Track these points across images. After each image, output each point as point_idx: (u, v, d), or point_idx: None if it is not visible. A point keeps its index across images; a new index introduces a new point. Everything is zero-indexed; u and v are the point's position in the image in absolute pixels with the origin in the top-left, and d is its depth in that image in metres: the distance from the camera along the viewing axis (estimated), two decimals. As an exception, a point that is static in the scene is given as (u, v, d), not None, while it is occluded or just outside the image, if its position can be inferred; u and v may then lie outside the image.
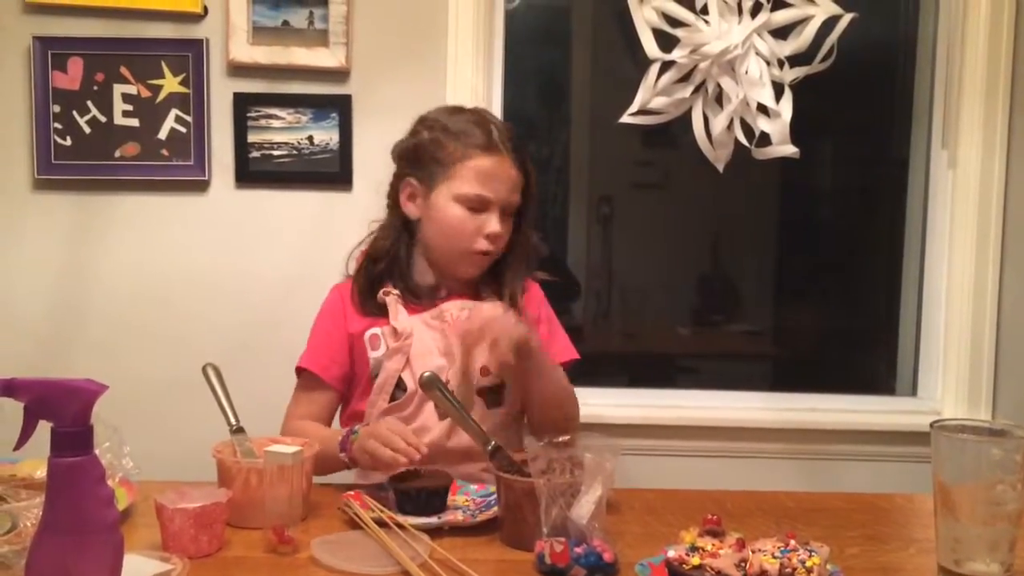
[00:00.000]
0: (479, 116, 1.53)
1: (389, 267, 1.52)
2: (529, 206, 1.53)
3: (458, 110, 1.56)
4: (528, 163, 1.51)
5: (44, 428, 0.86)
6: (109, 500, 0.88)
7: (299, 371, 1.54)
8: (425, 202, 1.50)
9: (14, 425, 0.87)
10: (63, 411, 0.85)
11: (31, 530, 1.05)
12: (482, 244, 1.47)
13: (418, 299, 1.51)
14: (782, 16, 2.03)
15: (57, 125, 2.04)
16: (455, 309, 1.49)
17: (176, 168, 2.07)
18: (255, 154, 2.07)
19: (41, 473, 1.19)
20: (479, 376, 1.49)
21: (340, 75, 2.07)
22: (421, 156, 1.51)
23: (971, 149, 2.11)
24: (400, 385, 1.46)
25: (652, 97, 2.06)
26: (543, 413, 1.49)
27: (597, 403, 2.10)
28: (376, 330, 1.49)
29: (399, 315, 1.48)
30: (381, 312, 1.49)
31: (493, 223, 1.46)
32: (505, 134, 1.49)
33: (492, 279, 1.55)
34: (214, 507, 1.12)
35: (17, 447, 0.88)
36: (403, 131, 2.07)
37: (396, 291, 1.50)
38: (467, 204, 1.46)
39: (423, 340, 1.47)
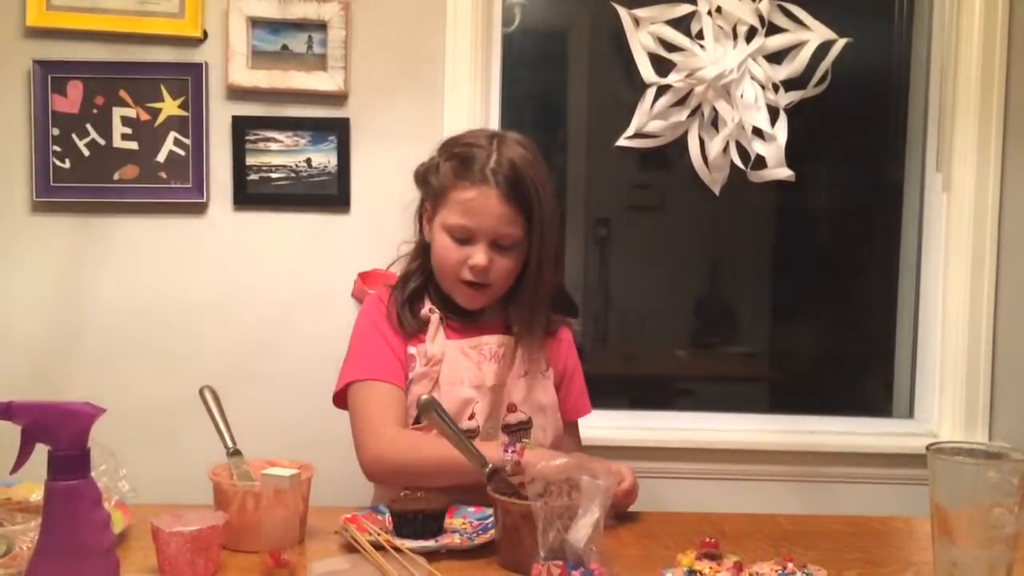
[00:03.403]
0: (487, 143, 1.44)
1: (424, 284, 1.51)
2: (536, 240, 1.44)
3: (476, 134, 1.49)
4: (530, 196, 1.41)
5: (40, 451, 0.86)
6: (105, 523, 0.88)
7: (359, 382, 1.43)
8: (430, 227, 1.49)
9: (11, 448, 0.87)
10: (60, 434, 0.85)
11: (27, 553, 1.04)
12: (468, 275, 1.43)
13: (455, 315, 1.49)
14: (777, 41, 2.06)
15: (56, 148, 2.05)
16: (494, 344, 1.48)
17: (174, 191, 2.07)
18: (253, 177, 2.08)
19: (37, 496, 1.19)
20: (506, 413, 1.47)
21: (338, 99, 2.08)
22: (428, 180, 1.49)
23: (965, 172, 2.12)
24: None
25: (648, 120, 2.08)
26: None
27: (596, 425, 2.09)
28: (412, 350, 1.46)
29: (436, 337, 1.46)
30: (418, 330, 1.47)
31: (477, 255, 1.41)
32: (504, 165, 1.40)
33: (518, 313, 1.50)
34: (210, 530, 1.12)
35: (14, 470, 0.88)
36: (401, 154, 2.09)
37: (439, 311, 1.48)
38: (452, 234, 1.43)
39: (456, 368, 1.45)
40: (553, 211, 1.46)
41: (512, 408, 1.48)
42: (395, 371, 1.44)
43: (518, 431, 1.46)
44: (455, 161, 1.44)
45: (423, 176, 1.50)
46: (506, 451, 1.30)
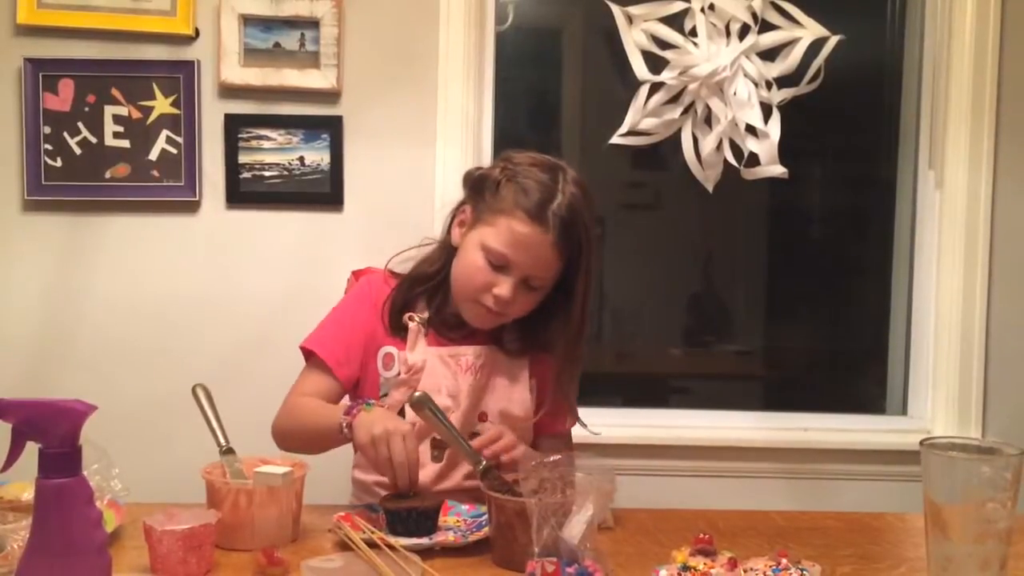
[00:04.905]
0: (552, 180, 1.39)
1: (429, 292, 1.48)
2: (580, 285, 1.41)
3: (543, 164, 1.43)
4: (580, 245, 1.39)
5: (32, 449, 0.86)
6: (97, 522, 0.87)
7: (308, 353, 1.48)
8: (466, 234, 1.45)
9: (1, 446, 0.86)
10: (51, 432, 0.84)
11: (18, 552, 1.04)
12: (488, 300, 1.40)
13: (445, 329, 1.47)
14: (770, 38, 2.06)
15: (48, 146, 2.04)
16: (471, 355, 1.46)
17: (167, 189, 2.07)
18: (246, 175, 2.08)
19: (28, 495, 1.18)
20: (477, 423, 1.46)
21: (331, 96, 2.08)
22: (482, 190, 1.44)
23: (958, 170, 2.13)
24: (402, 414, 1.44)
25: (642, 118, 2.08)
26: None
27: (590, 423, 2.09)
28: (392, 350, 1.45)
29: (417, 345, 1.45)
30: (401, 335, 1.46)
31: (504, 287, 1.38)
32: (565, 210, 1.36)
33: (517, 328, 1.48)
34: (203, 529, 1.11)
35: (4, 468, 0.87)
36: (394, 152, 2.10)
37: (419, 317, 1.46)
38: (489, 257, 1.39)
39: (434, 376, 1.44)
40: (597, 257, 1.44)
41: (483, 417, 1.46)
42: (345, 362, 1.46)
43: None
44: (518, 187, 1.39)
45: (478, 184, 1.45)
46: (346, 413, 1.31)
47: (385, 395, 1.45)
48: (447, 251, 1.48)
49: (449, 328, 1.47)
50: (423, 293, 1.49)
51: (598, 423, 2.11)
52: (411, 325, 1.46)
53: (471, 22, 2.08)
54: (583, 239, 1.39)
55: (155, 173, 2.06)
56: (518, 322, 1.47)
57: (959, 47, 2.11)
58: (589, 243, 1.40)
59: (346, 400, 1.49)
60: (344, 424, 1.31)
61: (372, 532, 1.19)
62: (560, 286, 1.43)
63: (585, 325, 1.46)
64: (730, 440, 2.17)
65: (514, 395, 1.48)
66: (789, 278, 2.58)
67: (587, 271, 1.41)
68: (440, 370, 1.45)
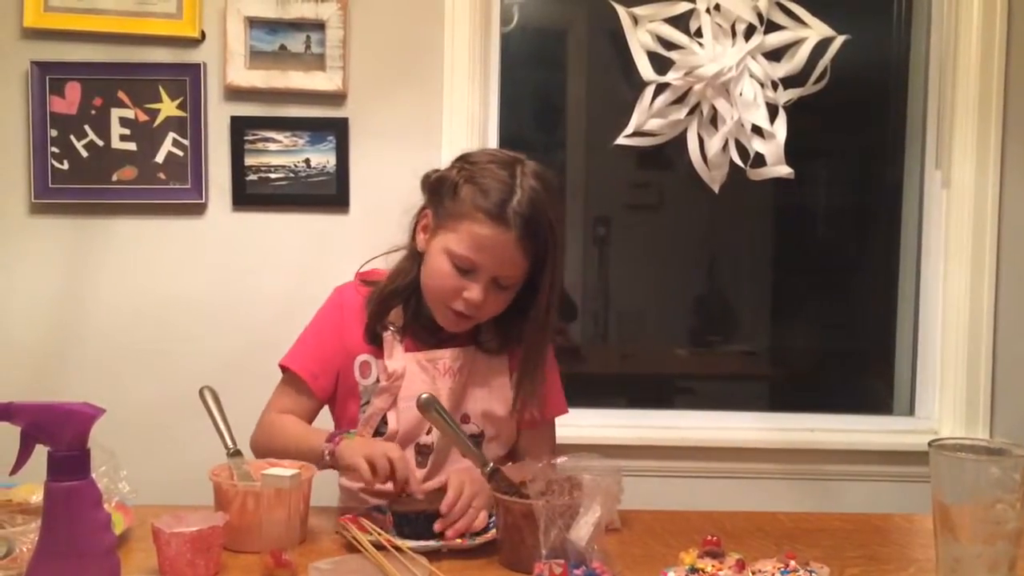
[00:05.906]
0: (510, 176, 1.36)
1: (404, 304, 1.46)
2: (547, 282, 1.39)
3: (500, 161, 1.40)
4: (545, 242, 1.36)
5: (40, 452, 0.86)
6: (106, 524, 0.88)
7: (284, 368, 1.49)
8: (429, 240, 1.43)
9: (11, 449, 0.87)
10: (60, 435, 0.85)
11: (27, 555, 1.04)
12: (459, 305, 1.38)
13: (424, 333, 1.45)
14: (775, 39, 2.06)
15: (54, 149, 2.05)
16: (448, 359, 1.45)
17: (173, 191, 2.07)
18: (252, 177, 2.08)
19: (37, 498, 1.18)
20: (460, 424, 1.44)
21: (337, 98, 2.08)
22: (441, 193, 1.41)
23: (965, 169, 2.12)
24: (384, 421, 1.44)
25: (647, 119, 2.08)
26: None
27: (595, 424, 2.09)
28: (368, 357, 1.45)
29: (394, 352, 1.44)
30: (378, 344, 1.45)
31: (474, 290, 1.36)
32: (526, 207, 1.33)
33: (494, 325, 1.46)
34: (211, 531, 1.11)
35: (13, 471, 0.88)
36: (400, 154, 2.10)
37: (393, 326, 1.45)
38: (455, 262, 1.37)
39: (413, 381, 1.43)
40: (564, 249, 1.42)
41: (466, 419, 1.46)
42: (320, 373, 1.46)
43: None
44: (476, 188, 1.36)
45: (435, 187, 1.43)
46: (328, 440, 1.33)
47: (367, 403, 1.44)
48: (415, 258, 1.46)
49: (427, 333, 1.46)
50: (396, 306, 1.46)
51: (604, 424, 2.14)
52: (385, 335, 1.44)
53: (476, 23, 2.08)
54: (547, 232, 1.37)
55: (161, 176, 2.07)
56: (495, 320, 1.45)
57: (966, 46, 2.10)
58: (554, 235, 1.38)
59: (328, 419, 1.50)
60: (326, 451, 1.32)
61: (379, 534, 1.19)
62: (533, 279, 1.41)
63: (551, 314, 1.43)
64: (736, 441, 2.16)
65: (495, 394, 1.47)
66: (795, 278, 2.58)
67: (554, 262, 1.39)
68: (419, 375, 1.44)
